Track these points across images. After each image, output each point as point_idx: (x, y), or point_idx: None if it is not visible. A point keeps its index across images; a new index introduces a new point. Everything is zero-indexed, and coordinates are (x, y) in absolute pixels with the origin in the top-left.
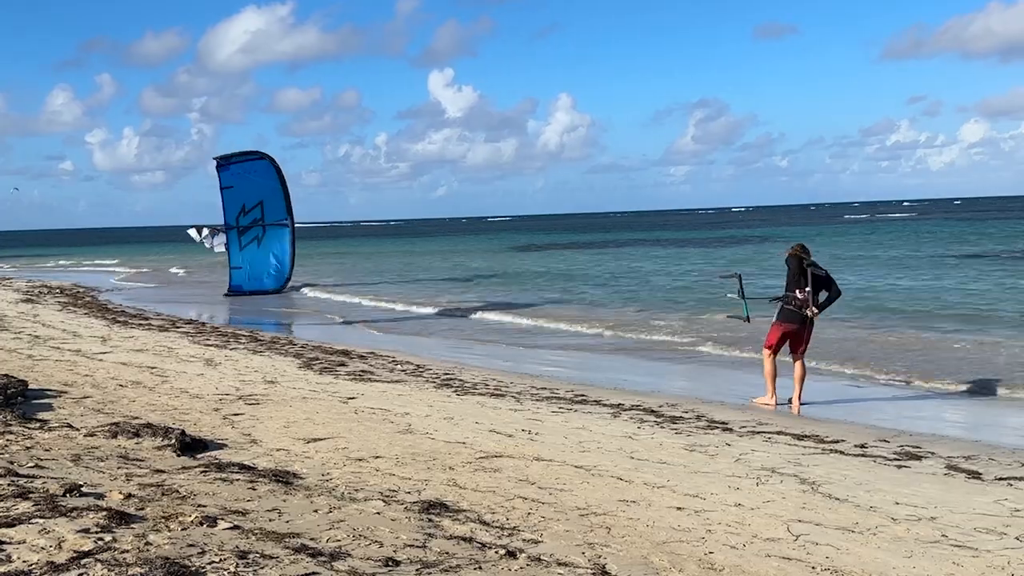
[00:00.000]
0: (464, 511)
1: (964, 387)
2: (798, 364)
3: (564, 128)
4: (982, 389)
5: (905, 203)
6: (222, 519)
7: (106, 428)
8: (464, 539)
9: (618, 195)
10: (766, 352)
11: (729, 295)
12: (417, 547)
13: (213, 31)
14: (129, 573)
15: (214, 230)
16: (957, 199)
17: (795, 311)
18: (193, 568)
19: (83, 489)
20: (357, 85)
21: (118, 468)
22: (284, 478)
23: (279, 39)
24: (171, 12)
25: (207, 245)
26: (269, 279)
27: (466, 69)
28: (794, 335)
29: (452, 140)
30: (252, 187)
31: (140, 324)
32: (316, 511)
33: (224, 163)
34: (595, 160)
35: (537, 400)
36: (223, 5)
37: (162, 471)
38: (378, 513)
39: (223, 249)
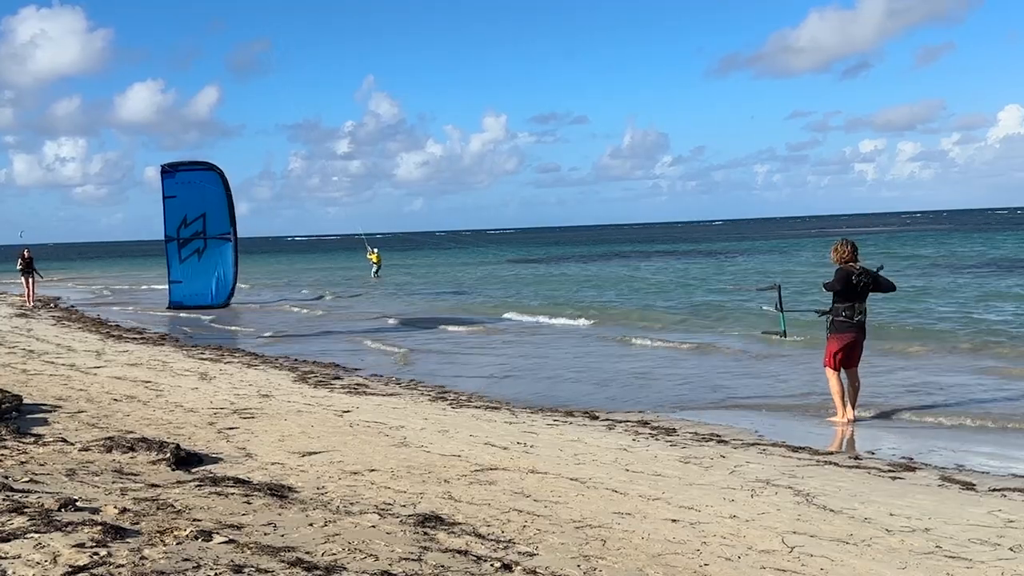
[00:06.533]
0: (459, 524)
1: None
2: (854, 376)
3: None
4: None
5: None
6: (217, 533)
7: (101, 443)
8: (460, 552)
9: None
10: (829, 372)
11: (764, 307)
12: (413, 560)
13: None
14: None
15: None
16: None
17: (847, 321)
18: None
19: (78, 504)
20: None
21: (113, 482)
22: (279, 492)
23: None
24: None
25: None
26: (211, 294)
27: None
28: (851, 346)
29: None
30: (196, 198)
31: (134, 338)
32: (311, 525)
33: (171, 170)
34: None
35: (532, 412)
36: None
37: (157, 485)
38: (373, 527)
39: None
